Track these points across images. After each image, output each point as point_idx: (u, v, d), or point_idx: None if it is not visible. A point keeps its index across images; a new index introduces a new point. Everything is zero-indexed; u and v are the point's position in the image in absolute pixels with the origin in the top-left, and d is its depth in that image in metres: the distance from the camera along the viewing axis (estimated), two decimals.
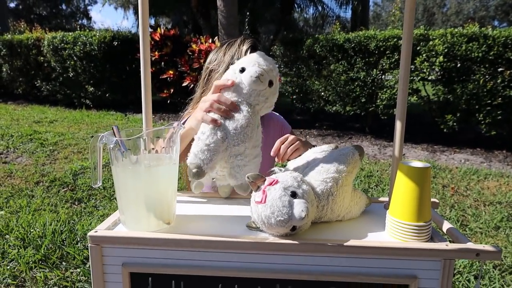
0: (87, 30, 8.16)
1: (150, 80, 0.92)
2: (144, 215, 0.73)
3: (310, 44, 6.06)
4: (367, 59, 5.50)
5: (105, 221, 0.77)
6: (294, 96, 6.71)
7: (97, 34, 7.47)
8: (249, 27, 14.37)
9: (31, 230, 2.32)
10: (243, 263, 0.70)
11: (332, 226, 0.80)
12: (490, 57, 4.64)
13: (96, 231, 0.71)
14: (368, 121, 6.06)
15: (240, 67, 0.81)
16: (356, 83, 5.61)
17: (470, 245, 0.70)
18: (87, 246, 2.13)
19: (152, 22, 14.14)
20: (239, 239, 0.70)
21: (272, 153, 1.00)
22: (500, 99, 4.65)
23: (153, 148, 0.79)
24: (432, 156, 4.69)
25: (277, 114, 1.40)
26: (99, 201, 2.93)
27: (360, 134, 5.91)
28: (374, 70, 5.44)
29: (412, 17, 0.87)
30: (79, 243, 2.22)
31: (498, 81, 4.63)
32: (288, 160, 1.02)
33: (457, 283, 1.87)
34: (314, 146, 1.13)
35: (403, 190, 0.73)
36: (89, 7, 32.98)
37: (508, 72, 4.59)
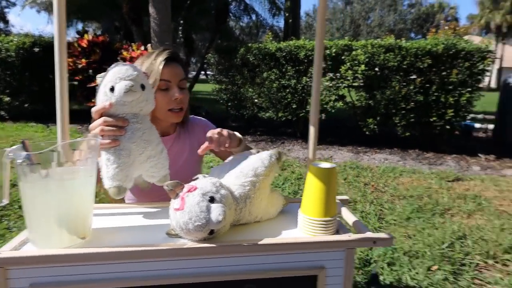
0: (3, 35, 7.44)
1: (66, 87, 0.87)
2: (56, 231, 0.71)
3: (244, 52, 6.20)
4: (297, 67, 5.77)
5: (10, 242, 0.73)
6: (229, 103, 6.79)
7: (15, 39, 6.86)
8: (183, 34, 14.21)
9: None
10: (162, 271, 0.71)
11: (250, 228, 0.85)
12: (404, 66, 5.16)
13: None
14: (299, 126, 6.33)
15: (109, 87, 0.82)
16: (288, 90, 5.86)
17: (368, 234, 0.79)
18: None
19: (80, 27, 13.32)
20: (155, 247, 0.70)
21: (208, 143, 0.96)
22: (412, 103, 5.19)
23: (66, 161, 0.77)
24: (356, 157, 5.06)
25: (200, 118, 1.41)
26: (13, 222, 2.68)
27: (292, 139, 6.15)
28: (304, 77, 5.73)
29: (323, 31, 0.95)
30: None
31: (411, 87, 5.16)
32: (227, 148, 0.99)
33: (372, 271, 2.05)
34: (241, 140, 1.10)
35: (312, 189, 0.80)
36: (6, 10, 29.97)
37: (419, 79, 5.15)
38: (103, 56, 6.40)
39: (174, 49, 1.22)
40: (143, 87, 0.84)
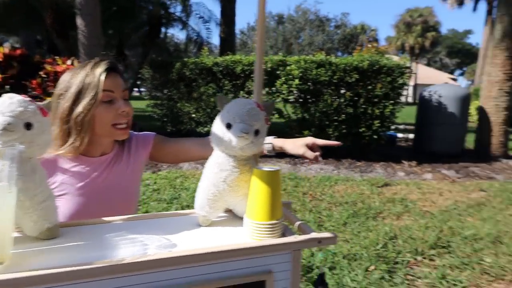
0: None
1: None
2: None
3: (180, 67, 6.12)
4: (234, 82, 5.84)
5: None
6: (165, 119, 6.62)
7: None
8: (115, 49, 13.65)
9: None
10: None
11: (196, 235, 0.81)
12: (335, 80, 5.50)
13: None
14: None
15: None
16: None
17: (313, 234, 0.79)
18: None
19: None
20: (92, 265, 0.64)
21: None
22: (343, 115, 5.53)
23: None
24: (294, 168, 5.22)
25: (137, 133, 1.32)
26: None
27: None
28: (241, 91, 5.81)
29: (262, 47, 0.97)
30: None
31: (342, 100, 5.51)
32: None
33: (315, 277, 2.10)
34: None
35: (257, 192, 0.79)
36: None
37: (348, 93, 5.51)
38: (22, 70, 5.86)
39: (112, 59, 1.14)
40: (28, 126, 0.70)
